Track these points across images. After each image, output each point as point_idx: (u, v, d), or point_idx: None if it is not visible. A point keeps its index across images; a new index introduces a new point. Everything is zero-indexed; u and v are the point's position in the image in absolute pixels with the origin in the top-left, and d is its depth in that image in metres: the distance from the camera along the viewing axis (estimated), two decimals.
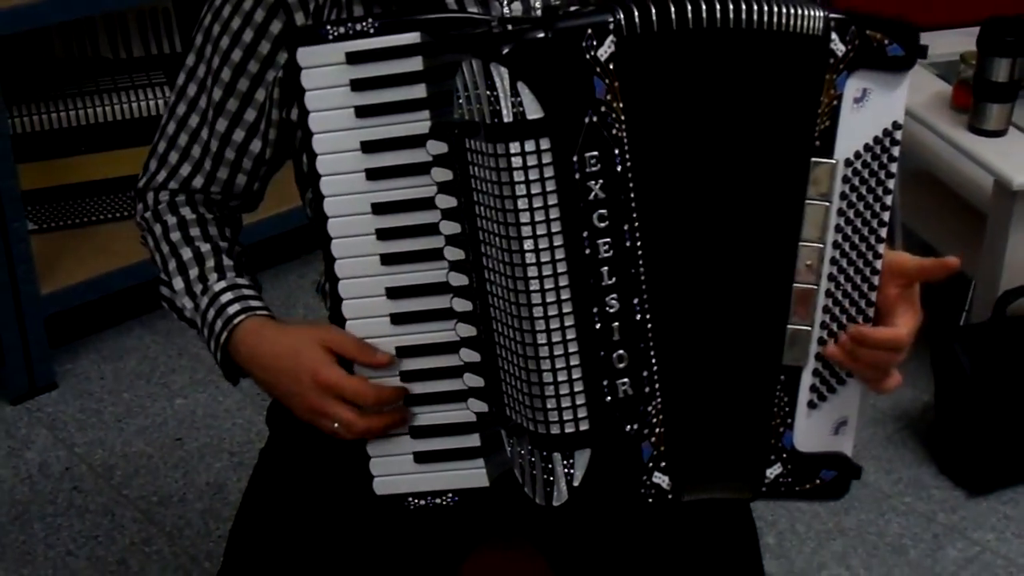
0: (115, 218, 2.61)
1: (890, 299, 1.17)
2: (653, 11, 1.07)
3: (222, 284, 1.26)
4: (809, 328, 1.15)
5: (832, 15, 1.11)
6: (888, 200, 1.15)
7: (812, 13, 1.10)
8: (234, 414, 2.43)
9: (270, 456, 1.37)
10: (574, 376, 1.09)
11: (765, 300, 1.14)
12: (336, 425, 1.18)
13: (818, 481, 1.18)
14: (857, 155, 1.13)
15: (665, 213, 1.10)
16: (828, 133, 1.12)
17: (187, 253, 1.29)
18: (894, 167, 1.15)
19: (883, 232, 1.16)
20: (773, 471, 1.17)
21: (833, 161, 1.12)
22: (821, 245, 1.13)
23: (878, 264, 1.16)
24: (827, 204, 1.13)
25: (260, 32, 1.24)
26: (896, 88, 1.14)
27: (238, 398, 2.45)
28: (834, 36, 1.11)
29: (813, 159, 1.12)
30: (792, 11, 1.10)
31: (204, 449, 2.35)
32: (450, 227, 1.13)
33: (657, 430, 1.11)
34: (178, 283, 1.28)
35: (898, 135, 1.14)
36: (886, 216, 1.15)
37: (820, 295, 1.15)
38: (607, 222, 1.07)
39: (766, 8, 1.09)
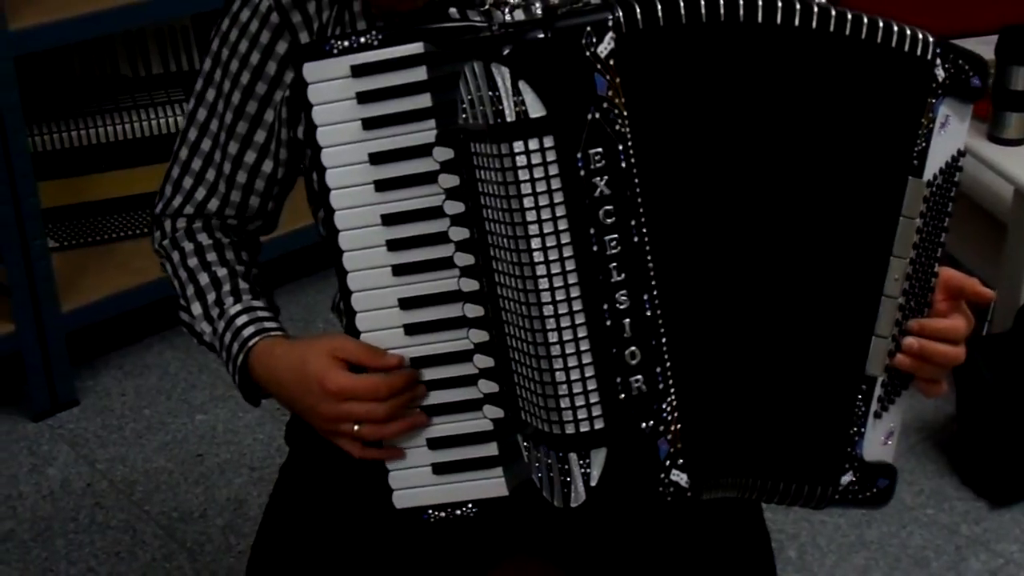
0: (135, 235, 2.62)
1: (941, 311, 1.20)
2: (659, 7, 1.07)
3: (237, 308, 1.27)
4: (887, 339, 1.16)
5: (936, 41, 1.15)
6: (947, 222, 1.20)
7: (920, 36, 1.14)
8: (254, 429, 2.44)
9: (290, 473, 1.37)
10: (587, 374, 1.08)
11: (848, 309, 1.15)
12: (356, 428, 1.17)
13: (875, 490, 1.19)
14: (935, 177, 1.17)
15: (675, 209, 1.09)
16: (923, 154, 1.15)
17: (204, 278, 1.30)
18: (954, 192, 1.20)
19: (940, 252, 1.20)
20: (846, 478, 1.17)
21: (924, 180, 1.15)
22: (906, 260, 1.15)
23: (934, 281, 1.19)
24: (917, 221, 1.16)
25: (266, 53, 1.26)
26: (966, 118, 1.19)
27: (258, 413, 2.45)
28: (938, 61, 1.14)
29: (911, 177, 1.15)
30: (896, 29, 1.13)
31: (225, 465, 2.36)
32: (459, 233, 1.13)
33: (673, 427, 1.10)
34: (196, 308, 1.29)
35: (961, 162, 1.19)
36: (943, 237, 1.20)
37: (897, 308, 1.17)
38: (614, 218, 1.07)
39: (840, 20, 1.11)
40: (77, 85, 2.64)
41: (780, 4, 1.10)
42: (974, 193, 2.50)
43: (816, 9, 1.10)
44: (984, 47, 2.32)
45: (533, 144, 1.05)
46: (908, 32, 1.13)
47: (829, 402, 1.16)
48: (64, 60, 2.62)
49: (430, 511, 1.19)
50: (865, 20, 1.12)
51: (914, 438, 2.40)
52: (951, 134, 1.18)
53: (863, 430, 1.17)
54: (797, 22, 1.10)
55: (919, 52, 1.14)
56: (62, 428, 2.45)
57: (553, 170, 1.05)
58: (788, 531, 2.18)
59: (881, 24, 1.12)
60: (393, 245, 1.16)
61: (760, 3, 1.09)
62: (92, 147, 2.56)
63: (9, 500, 2.28)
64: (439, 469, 1.19)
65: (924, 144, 1.15)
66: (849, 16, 1.12)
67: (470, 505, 1.19)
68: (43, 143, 2.51)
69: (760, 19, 1.09)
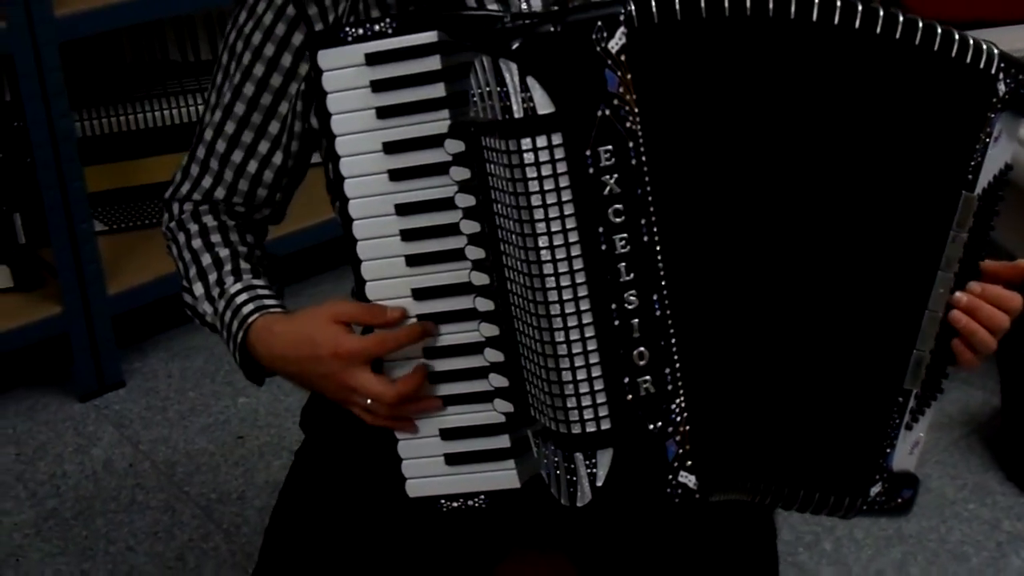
0: None
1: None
2: (676, 1, 1.05)
3: (238, 286, 1.27)
4: (926, 353, 1.14)
5: (1000, 54, 1.11)
6: (988, 235, 1.17)
7: (985, 48, 1.10)
8: (295, 412, 2.44)
9: (305, 459, 1.38)
10: (594, 374, 1.07)
11: (890, 321, 1.13)
12: (369, 401, 1.17)
13: (899, 500, 1.18)
14: (984, 191, 1.14)
15: (687, 209, 1.08)
16: (978, 168, 1.12)
17: (206, 259, 1.30)
18: (999, 206, 1.17)
19: (979, 265, 1.17)
20: (875, 489, 1.16)
21: (976, 194, 1.12)
22: (951, 274, 1.13)
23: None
24: (964, 235, 1.13)
25: (282, 45, 1.26)
26: (1016, 133, 1.16)
27: (299, 397, 2.45)
28: (1001, 76, 1.11)
29: (964, 192, 1.12)
30: (958, 39, 1.09)
31: (264, 447, 2.38)
32: (470, 226, 1.12)
33: (682, 428, 1.09)
34: (198, 289, 1.30)
35: (1008, 176, 1.16)
36: (983, 250, 1.17)
37: (938, 323, 1.15)
38: (623, 217, 1.06)
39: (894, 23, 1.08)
40: (127, 70, 2.67)
41: (817, 0, 1.06)
42: (1017, 176, 2.44)
43: (860, 8, 1.06)
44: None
45: (541, 141, 1.04)
46: (972, 43, 1.09)
47: (864, 414, 1.14)
48: (115, 45, 2.65)
49: (443, 501, 1.19)
50: (921, 25, 1.08)
51: (959, 431, 2.37)
52: (1002, 148, 1.15)
53: (895, 442, 1.16)
54: (836, 20, 1.06)
55: (983, 65, 1.10)
56: (108, 409, 2.49)
57: (561, 167, 1.04)
58: (824, 523, 2.16)
59: (940, 31, 1.08)
60: (407, 235, 1.15)
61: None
62: (141, 132, 2.59)
63: (53, 479, 2.32)
64: (452, 460, 1.19)
65: (980, 159, 1.11)
66: (901, 19, 1.08)
67: (482, 496, 1.18)
68: (92, 128, 2.55)
69: (793, 15, 1.06)
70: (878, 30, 1.07)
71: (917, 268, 1.12)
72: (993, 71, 1.10)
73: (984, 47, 1.10)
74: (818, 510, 1.16)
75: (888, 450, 1.15)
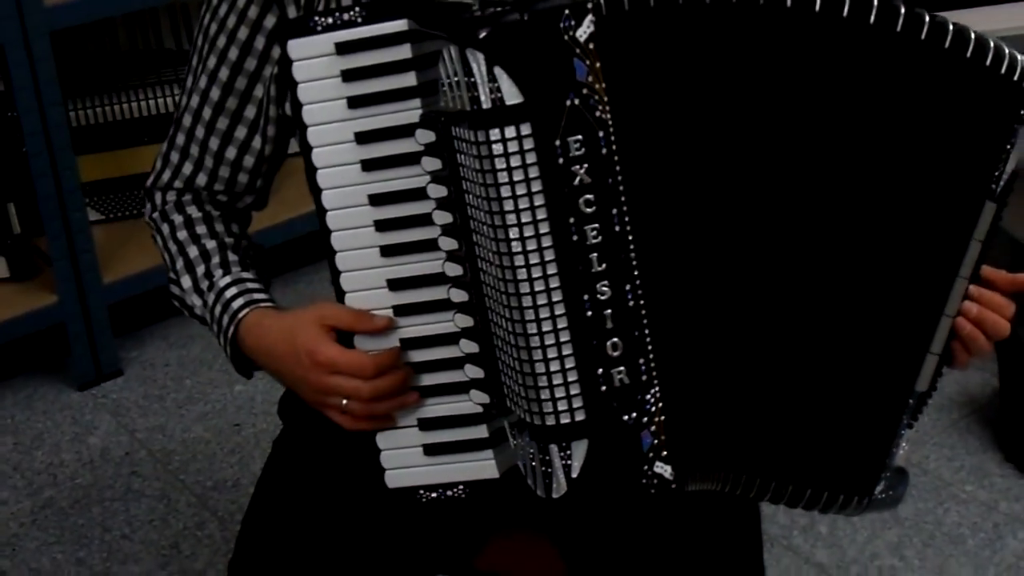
0: None
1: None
2: None
3: (227, 280, 1.27)
4: (938, 356, 1.13)
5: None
6: (994, 239, 1.15)
7: (1020, 59, 1.07)
8: None
9: (283, 448, 1.38)
10: (567, 365, 1.06)
11: (905, 325, 1.11)
12: (344, 402, 1.16)
13: (893, 495, 1.17)
14: (999, 197, 1.13)
15: (660, 199, 1.06)
16: (1000, 178, 1.10)
17: (193, 251, 1.30)
18: (1005, 211, 1.15)
19: (980, 269, 1.15)
20: (879, 488, 1.15)
21: (995, 205, 1.11)
22: (967, 279, 1.12)
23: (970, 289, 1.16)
24: (981, 243, 1.11)
25: (255, 28, 1.25)
26: None
27: None
28: None
29: (987, 202, 1.10)
30: (993, 47, 1.06)
31: (260, 435, 2.38)
32: (443, 216, 1.11)
33: (657, 419, 1.08)
34: (186, 281, 1.29)
35: (1015, 182, 1.14)
36: (988, 254, 1.15)
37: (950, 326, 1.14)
38: (594, 207, 1.04)
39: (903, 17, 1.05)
40: (122, 58, 2.67)
41: None
42: None
43: (876, 4, 1.03)
44: None
45: (509, 132, 1.02)
46: (1007, 53, 1.07)
47: (877, 415, 1.13)
48: (109, 33, 2.65)
49: (422, 491, 1.19)
50: (951, 28, 1.05)
51: (957, 413, 2.36)
52: (1014, 156, 1.12)
53: (901, 442, 1.15)
54: (845, 13, 1.03)
55: (1016, 77, 1.07)
56: (105, 398, 2.50)
57: (531, 158, 1.03)
58: None
59: (974, 38, 1.05)
60: (381, 225, 1.15)
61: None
62: (136, 120, 2.59)
63: (51, 468, 2.32)
64: (430, 450, 1.18)
65: (1003, 168, 1.10)
66: (927, 19, 1.05)
67: (461, 486, 1.18)
68: (88, 117, 2.55)
69: (790, 4, 1.03)
70: (898, 28, 1.04)
71: (938, 274, 1.11)
72: None
73: (1019, 59, 1.08)
74: (827, 508, 1.14)
75: (894, 449, 1.15)
